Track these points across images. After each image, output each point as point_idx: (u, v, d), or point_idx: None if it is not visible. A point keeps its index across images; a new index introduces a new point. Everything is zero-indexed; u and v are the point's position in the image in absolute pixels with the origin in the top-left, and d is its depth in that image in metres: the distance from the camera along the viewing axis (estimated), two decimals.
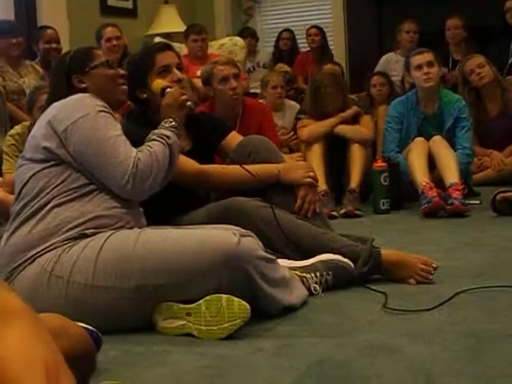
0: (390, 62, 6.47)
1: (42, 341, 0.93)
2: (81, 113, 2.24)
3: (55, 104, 2.32)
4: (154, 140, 2.33)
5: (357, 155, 4.46)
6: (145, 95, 2.73)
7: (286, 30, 7.49)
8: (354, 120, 4.65)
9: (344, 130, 4.56)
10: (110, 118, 2.30)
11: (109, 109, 2.33)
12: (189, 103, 2.55)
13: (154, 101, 2.66)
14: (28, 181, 2.25)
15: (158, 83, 2.67)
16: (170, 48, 2.79)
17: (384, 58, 6.57)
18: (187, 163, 2.70)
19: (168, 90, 2.59)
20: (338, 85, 4.67)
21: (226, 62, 4.17)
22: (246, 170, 2.64)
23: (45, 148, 2.24)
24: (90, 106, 2.27)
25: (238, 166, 2.68)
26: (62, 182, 2.22)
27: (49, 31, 5.56)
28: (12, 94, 5.08)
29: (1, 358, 0.88)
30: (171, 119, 2.45)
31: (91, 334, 1.76)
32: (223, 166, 2.85)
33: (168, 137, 2.35)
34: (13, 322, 0.93)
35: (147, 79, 2.70)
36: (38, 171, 2.24)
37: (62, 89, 2.42)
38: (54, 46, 5.46)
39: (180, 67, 2.76)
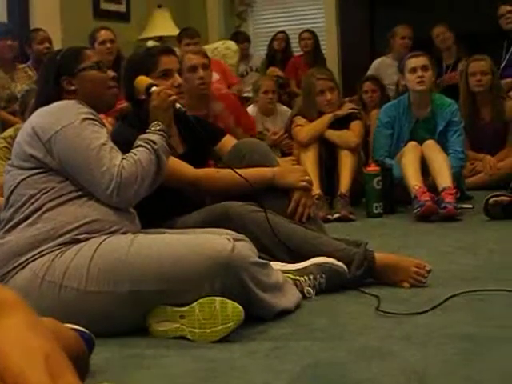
0: (383, 66, 6.48)
1: (40, 332, 0.93)
2: (65, 122, 2.22)
3: (40, 110, 2.29)
4: (140, 146, 2.30)
5: (346, 160, 4.42)
6: (143, 96, 2.60)
7: (282, 32, 7.47)
8: (346, 122, 4.60)
9: (332, 135, 4.52)
10: (96, 125, 2.26)
11: (95, 115, 2.30)
12: (178, 105, 2.49)
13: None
14: (16, 187, 2.23)
15: (142, 80, 2.58)
16: (173, 52, 2.78)
17: (376, 61, 6.57)
18: (181, 167, 2.69)
19: (154, 88, 2.51)
20: (331, 80, 4.63)
21: (196, 52, 4.14)
22: (239, 174, 2.61)
23: (32, 156, 2.22)
24: (75, 114, 2.24)
25: (231, 170, 2.66)
26: (53, 188, 2.20)
27: (41, 33, 5.63)
28: (4, 102, 5.09)
29: (2, 352, 0.88)
30: (159, 122, 2.40)
31: (83, 335, 1.76)
32: (217, 170, 2.83)
33: (154, 142, 2.31)
34: (10, 314, 0.94)
35: None
36: (27, 177, 2.22)
37: (50, 89, 2.38)
38: (47, 45, 5.50)
39: (180, 73, 2.73)
